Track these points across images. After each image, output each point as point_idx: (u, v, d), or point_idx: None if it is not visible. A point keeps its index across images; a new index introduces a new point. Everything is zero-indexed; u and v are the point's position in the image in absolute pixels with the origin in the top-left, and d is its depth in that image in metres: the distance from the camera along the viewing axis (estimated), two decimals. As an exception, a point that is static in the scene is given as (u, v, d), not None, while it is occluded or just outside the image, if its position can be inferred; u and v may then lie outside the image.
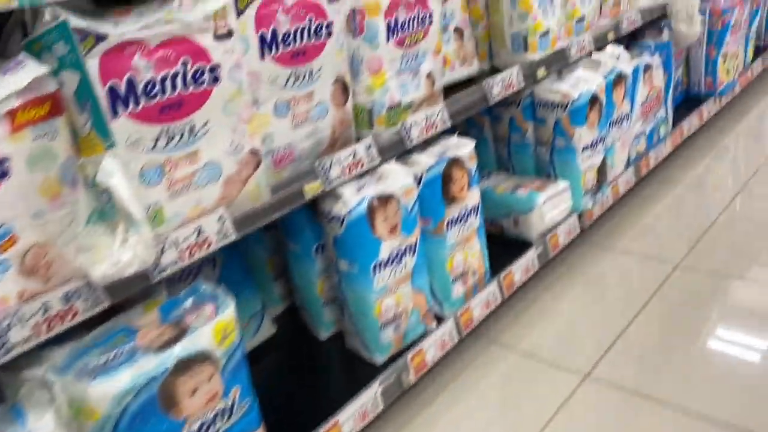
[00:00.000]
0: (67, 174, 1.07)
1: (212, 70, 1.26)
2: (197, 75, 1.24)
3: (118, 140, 1.15)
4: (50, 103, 1.03)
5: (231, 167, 1.35)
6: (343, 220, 1.54)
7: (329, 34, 1.53)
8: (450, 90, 1.97)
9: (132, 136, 1.17)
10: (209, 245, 1.31)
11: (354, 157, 1.59)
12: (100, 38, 1.09)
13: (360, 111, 1.69)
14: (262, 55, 1.40)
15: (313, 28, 1.48)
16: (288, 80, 1.46)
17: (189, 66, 1.22)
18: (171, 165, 1.24)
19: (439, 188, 1.73)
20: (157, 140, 1.20)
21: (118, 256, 1.05)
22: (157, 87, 1.18)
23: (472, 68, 2.16)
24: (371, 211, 1.56)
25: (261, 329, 1.79)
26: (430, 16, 1.76)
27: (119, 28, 1.13)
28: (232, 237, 1.34)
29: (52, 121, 1.04)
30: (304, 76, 1.50)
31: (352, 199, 1.55)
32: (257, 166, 1.40)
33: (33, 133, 1.02)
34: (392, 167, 1.65)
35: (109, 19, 1.19)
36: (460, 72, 2.12)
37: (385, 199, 1.58)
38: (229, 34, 1.28)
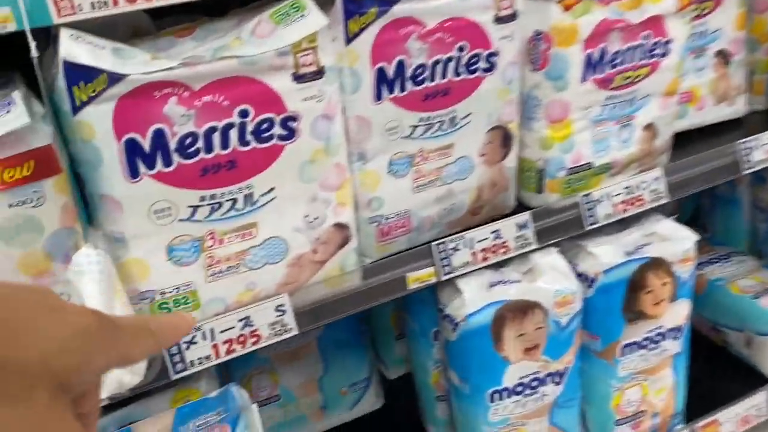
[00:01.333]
0: (58, 248, 0.84)
1: (286, 122, 0.92)
2: (261, 129, 0.91)
3: (139, 206, 0.88)
4: (34, 162, 0.79)
5: (302, 246, 1.01)
6: (457, 325, 1.13)
7: (490, 68, 1.07)
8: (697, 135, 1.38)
9: (158, 203, 0.89)
10: (257, 340, 1.01)
11: (496, 237, 1.15)
12: (115, 79, 0.81)
13: (528, 169, 1.22)
14: (379, 96, 1.01)
15: (464, 59, 1.04)
16: (415, 129, 1.06)
17: (250, 117, 0.89)
18: (214, 240, 0.94)
19: (620, 298, 1.20)
20: (196, 208, 0.91)
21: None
22: (199, 143, 0.87)
23: (736, 108, 1.50)
24: (499, 322, 1.12)
25: (362, 401, 1.48)
26: (667, 43, 1.18)
27: (151, 65, 0.83)
28: (292, 332, 1.02)
29: (39, 184, 0.80)
30: (442, 124, 1.08)
31: (474, 301, 1.12)
32: (343, 244, 1.05)
33: (9, 198, 0.79)
34: (550, 260, 1.17)
35: (161, 42, 0.91)
36: (716, 113, 1.48)
37: (524, 308, 1.13)
38: (319, 72, 0.92)
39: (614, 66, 1.14)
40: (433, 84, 1.04)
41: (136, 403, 1.03)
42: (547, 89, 1.14)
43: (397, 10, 0.97)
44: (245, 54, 0.86)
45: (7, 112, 0.77)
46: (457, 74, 1.05)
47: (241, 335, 0.99)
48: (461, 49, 1.03)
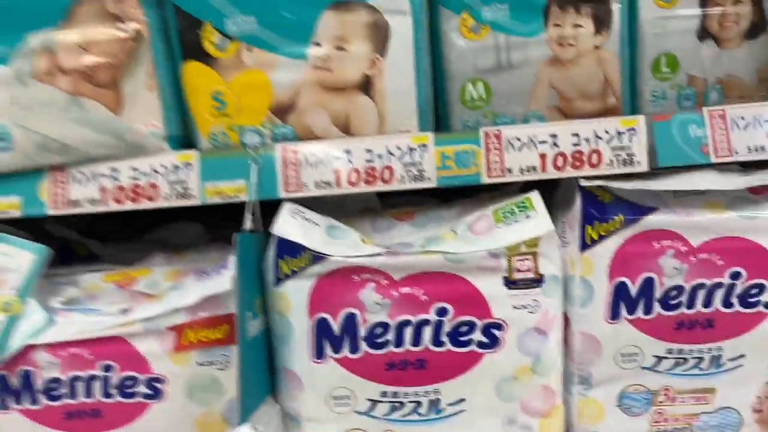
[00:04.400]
0: (234, 413, 0.83)
1: (489, 329, 0.80)
2: (459, 332, 0.81)
3: (319, 388, 0.83)
4: (228, 327, 0.80)
5: (487, 474, 0.85)
6: None
7: (778, 304, 0.83)
8: None
9: (339, 389, 0.83)
10: None
11: None
12: (318, 258, 0.79)
13: (830, 444, 0.88)
14: (615, 316, 0.84)
15: (738, 289, 0.82)
16: (660, 361, 0.85)
17: (449, 316, 0.80)
18: (389, 441, 0.85)
19: None
20: (375, 403, 0.83)
21: None
22: (389, 335, 0.81)
23: None
24: None
25: None
26: None
27: (356, 248, 0.80)
28: None
29: (228, 348, 0.81)
30: (699, 361, 0.85)
31: None
32: (540, 485, 0.86)
33: (199, 357, 0.81)
34: None
35: (381, 223, 0.89)
36: None
37: None
38: (536, 281, 0.80)
39: None
40: (690, 312, 0.83)
41: None
42: None
43: (651, 221, 0.81)
44: (453, 251, 0.78)
45: (212, 278, 0.81)
46: (727, 306, 0.83)
47: None
48: (735, 275, 0.82)
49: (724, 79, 0.96)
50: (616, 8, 0.86)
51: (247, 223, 0.78)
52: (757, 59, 0.96)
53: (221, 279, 0.79)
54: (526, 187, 0.84)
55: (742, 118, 0.79)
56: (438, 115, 0.92)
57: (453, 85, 0.89)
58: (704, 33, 0.94)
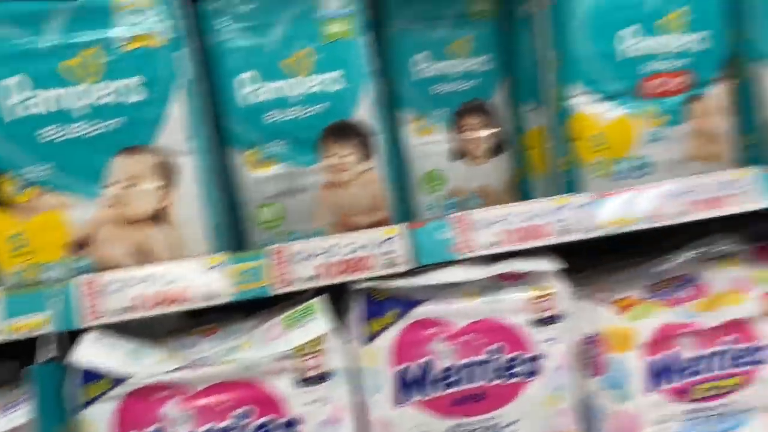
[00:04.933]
0: None
1: (288, 426, 0.88)
2: (259, 432, 0.88)
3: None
4: (32, 459, 0.82)
5: None
6: None
7: (532, 372, 0.98)
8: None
9: (149, 506, 0.86)
10: None
11: None
12: (119, 380, 0.85)
13: (599, 491, 1.02)
14: (401, 399, 0.95)
15: (500, 362, 0.97)
16: (447, 437, 0.96)
17: (250, 420, 0.88)
18: None
19: None
20: None
21: None
22: (194, 445, 0.86)
23: None
24: None
25: None
26: (758, 350, 1.01)
27: (157, 367, 0.87)
28: None
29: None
30: (482, 431, 0.97)
31: None
32: None
33: (1, 494, 0.82)
34: None
35: (188, 340, 0.96)
36: None
37: None
38: (323, 376, 0.90)
39: (689, 373, 0.98)
40: (463, 388, 0.96)
41: None
42: (608, 399, 1.00)
43: (420, 312, 0.95)
44: (247, 357, 0.87)
45: (20, 408, 0.83)
46: (493, 378, 0.97)
47: None
48: (496, 351, 0.97)
49: (480, 189, 1.17)
50: (379, 138, 1.03)
51: (43, 356, 0.83)
52: (503, 172, 1.18)
53: (21, 412, 0.82)
54: (320, 292, 0.96)
55: (481, 220, 0.97)
56: (241, 236, 1.03)
57: (248, 210, 1.01)
58: (458, 153, 1.15)
